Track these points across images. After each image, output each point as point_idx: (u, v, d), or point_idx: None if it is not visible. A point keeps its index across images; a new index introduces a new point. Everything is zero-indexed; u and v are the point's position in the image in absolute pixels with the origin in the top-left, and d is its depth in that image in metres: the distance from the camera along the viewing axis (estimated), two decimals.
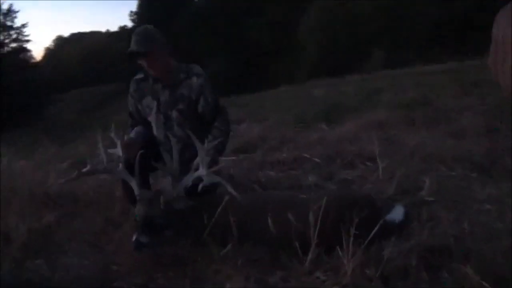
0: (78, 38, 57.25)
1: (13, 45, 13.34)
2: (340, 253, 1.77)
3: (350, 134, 4.66)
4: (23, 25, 13.33)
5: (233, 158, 4.20)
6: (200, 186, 2.10)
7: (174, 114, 2.57)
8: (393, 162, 3.28)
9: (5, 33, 13.65)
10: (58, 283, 2.02)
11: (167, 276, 1.99)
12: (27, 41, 12.80)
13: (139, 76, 2.65)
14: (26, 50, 13.86)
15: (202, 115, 2.58)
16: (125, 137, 2.42)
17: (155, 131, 2.57)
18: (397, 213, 2.21)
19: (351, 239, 1.72)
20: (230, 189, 2.05)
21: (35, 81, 21.05)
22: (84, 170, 2.17)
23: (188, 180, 2.14)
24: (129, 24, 41.19)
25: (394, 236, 1.96)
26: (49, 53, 56.96)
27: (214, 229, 2.12)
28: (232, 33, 27.18)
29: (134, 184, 2.21)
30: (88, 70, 41.85)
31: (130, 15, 40.66)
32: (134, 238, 2.04)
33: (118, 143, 2.33)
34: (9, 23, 13.24)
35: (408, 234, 2.05)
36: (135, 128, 2.63)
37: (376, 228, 1.79)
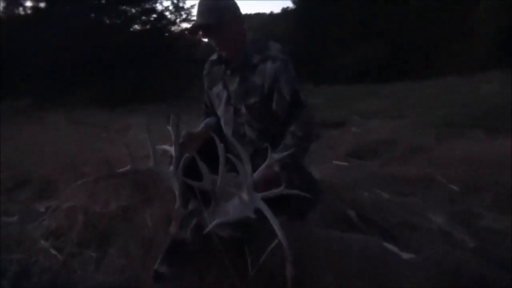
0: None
1: (184, 25, 14.91)
2: None
3: None
4: (192, 6, 14.73)
5: (343, 163, 3.42)
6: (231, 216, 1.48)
7: (243, 109, 1.98)
8: None
9: (177, 13, 15.24)
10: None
11: None
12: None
13: (214, 57, 2.13)
14: None
15: (275, 113, 1.93)
16: (183, 132, 1.94)
17: (224, 129, 2.05)
18: None
19: None
20: (278, 231, 1.38)
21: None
22: (122, 170, 1.77)
23: (227, 208, 1.54)
24: (291, 5, 41.77)
25: None
26: None
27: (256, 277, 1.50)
28: (391, 12, 24.61)
29: (177, 194, 1.74)
30: None
31: None
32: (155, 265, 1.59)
33: (173, 138, 1.86)
34: (181, 4, 14.80)
35: None
36: (206, 120, 2.16)
37: None
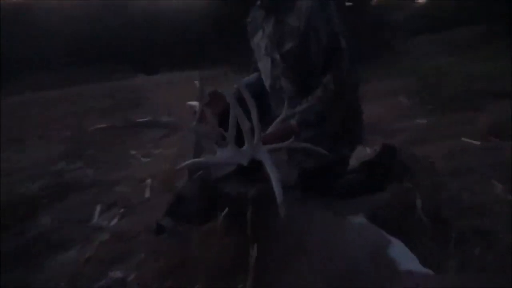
0: None
1: None
2: None
3: None
4: None
5: (473, 142, 2.62)
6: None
7: (278, 59, 1.68)
8: None
9: None
10: None
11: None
12: None
13: (259, 2, 1.87)
14: None
15: (313, 61, 1.56)
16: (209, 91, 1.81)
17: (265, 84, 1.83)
18: None
19: None
20: (276, 185, 1.13)
21: None
22: (141, 120, 1.73)
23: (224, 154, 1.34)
24: None
25: None
26: None
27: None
28: None
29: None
30: None
31: None
32: None
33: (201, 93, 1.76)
34: None
35: None
36: (250, 76, 1.97)
37: None
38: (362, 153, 2.44)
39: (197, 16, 13.60)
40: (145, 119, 1.68)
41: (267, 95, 1.82)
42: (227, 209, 1.34)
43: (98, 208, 2.21)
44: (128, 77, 8.89)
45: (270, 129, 1.47)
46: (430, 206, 1.65)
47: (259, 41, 1.80)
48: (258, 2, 1.88)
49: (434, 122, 3.18)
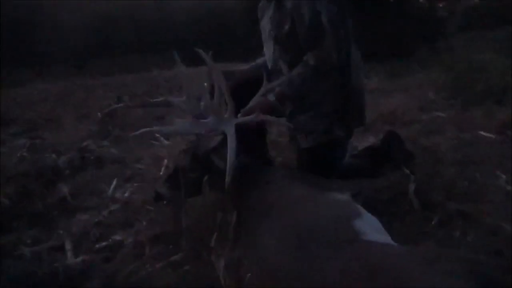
0: None
1: None
2: None
3: None
4: None
5: (488, 135, 2.54)
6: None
7: (276, 41, 1.73)
8: None
9: None
10: None
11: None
12: None
13: None
14: None
15: (299, 42, 1.60)
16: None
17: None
18: None
19: None
20: (229, 154, 1.22)
21: None
22: (156, 100, 1.86)
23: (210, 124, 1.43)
24: None
25: None
26: None
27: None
28: None
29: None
30: None
31: None
32: None
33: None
34: None
35: None
36: (259, 59, 2.03)
37: None
38: (367, 140, 2.46)
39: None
40: (158, 99, 1.83)
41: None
42: (206, 177, 1.42)
43: (114, 182, 2.38)
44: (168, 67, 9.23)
45: (250, 104, 1.54)
46: (424, 191, 1.66)
47: (265, 24, 1.87)
48: None
49: (453, 115, 3.10)
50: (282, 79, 1.56)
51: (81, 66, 11.87)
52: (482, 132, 2.57)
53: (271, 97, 1.57)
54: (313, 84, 1.57)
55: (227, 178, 1.24)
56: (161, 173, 2.60)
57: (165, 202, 1.65)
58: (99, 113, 3.80)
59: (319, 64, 1.55)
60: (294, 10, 1.58)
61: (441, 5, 12.97)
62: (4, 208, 1.98)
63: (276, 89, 1.55)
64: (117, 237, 1.68)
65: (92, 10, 14.58)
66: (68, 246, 1.63)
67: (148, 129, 1.36)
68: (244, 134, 1.49)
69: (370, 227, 1.17)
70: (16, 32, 12.28)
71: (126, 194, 2.22)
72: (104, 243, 1.65)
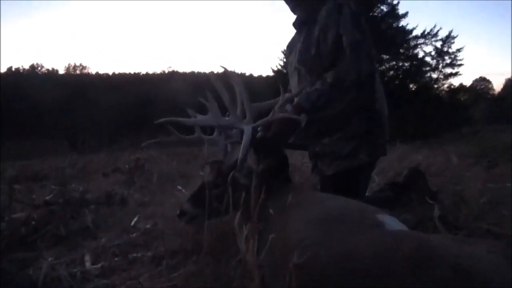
0: None
1: (447, 70, 12.71)
2: None
3: None
4: (459, 50, 12.22)
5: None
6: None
7: (302, 69, 1.84)
8: None
9: (439, 58, 12.96)
10: None
11: None
12: (460, 65, 12.15)
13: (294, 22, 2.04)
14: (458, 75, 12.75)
15: (323, 63, 1.72)
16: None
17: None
18: None
19: None
20: (242, 150, 1.30)
21: None
22: (189, 137, 1.86)
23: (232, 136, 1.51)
24: None
25: None
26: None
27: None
28: None
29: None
30: None
31: None
32: None
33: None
34: (445, 49, 12.64)
35: None
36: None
37: None
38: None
39: None
40: (192, 136, 1.88)
41: None
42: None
43: (136, 217, 2.41)
44: None
45: (269, 116, 1.58)
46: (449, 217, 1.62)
47: (292, 60, 2.00)
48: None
49: (479, 172, 3.07)
50: (301, 90, 1.66)
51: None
52: (509, 184, 2.51)
53: (289, 107, 1.65)
54: (331, 99, 1.66)
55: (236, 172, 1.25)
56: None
57: (188, 219, 1.65)
58: (126, 165, 3.95)
59: (336, 81, 1.64)
60: (321, 35, 1.73)
61: (462, 99, 13.32)
62: (29, 229, 2.03)
63: (295, 100, 1.64)
64: (136, 254, 1.67)
65: None
66: (87, 258, 1.62)
67: (171, 118, 1.46)
68: (266, 152, 1.55)
69: (396, 223, 1.15)
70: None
71: (147, 226, 2.23)
72: (122, 258, 1.63)
